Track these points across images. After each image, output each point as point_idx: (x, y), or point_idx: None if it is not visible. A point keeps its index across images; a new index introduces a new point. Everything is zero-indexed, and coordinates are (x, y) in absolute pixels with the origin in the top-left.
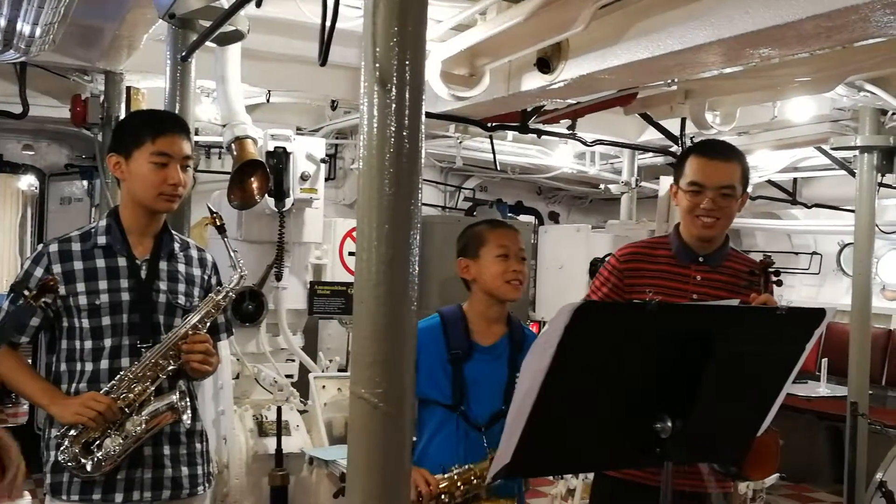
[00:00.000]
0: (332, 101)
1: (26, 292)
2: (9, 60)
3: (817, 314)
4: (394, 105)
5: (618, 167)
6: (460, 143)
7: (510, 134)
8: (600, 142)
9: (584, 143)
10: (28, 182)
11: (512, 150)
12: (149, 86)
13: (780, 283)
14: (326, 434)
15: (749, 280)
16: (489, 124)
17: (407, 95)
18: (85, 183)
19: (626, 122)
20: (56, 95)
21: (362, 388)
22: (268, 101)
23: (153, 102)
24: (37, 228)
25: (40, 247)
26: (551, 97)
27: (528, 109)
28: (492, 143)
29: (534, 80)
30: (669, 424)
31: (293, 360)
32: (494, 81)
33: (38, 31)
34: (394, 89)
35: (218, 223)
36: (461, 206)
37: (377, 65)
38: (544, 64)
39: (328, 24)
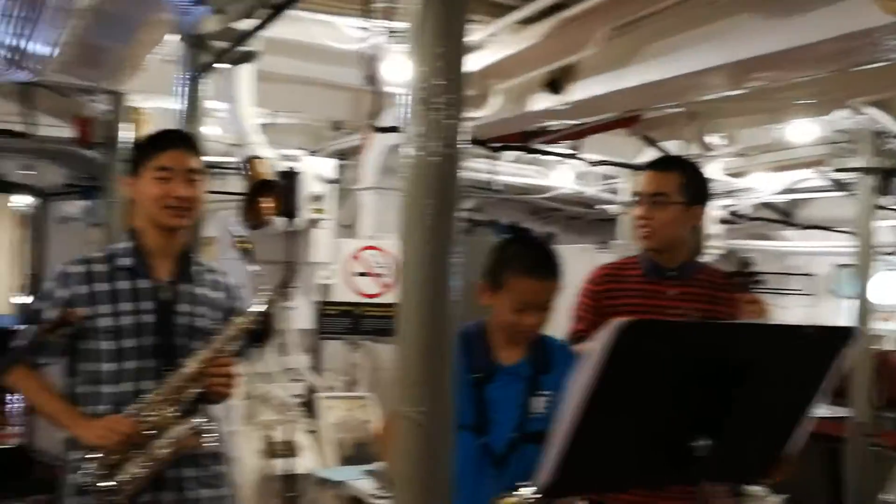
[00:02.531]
0: (335, 123)
1: (45, 325)
2: (20, 80)
3: (845, 332)
4: (438, 125)
5: (614, 187)
6: None
7: (509, 154)
8: (604, 162)
9: (590, 164)
10: (26, 201)
11: (509, 170)
12: (153, 105)
13: (758, 284)
14: (335, 455)
15: (729, 284)
16: (491, 144)
17: (450, 115)
18: (85, 203)
19: (625, 141)
20: (58, 115)
21: (407, 407)
22: (273, 122)
23: (157, 121)
24: (33, 248)
25: (61, 267)
26: (558, 118)
27: (530, 130)
28: (492, 164)
29: (542, 101)
30: (705, 443)
31: (301, 380)
32: (502, 102)
33: (55, 52)
34: (438, 109)
35: (248, 248)
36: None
37: (423, 85)
38: (554, 85)
39: None
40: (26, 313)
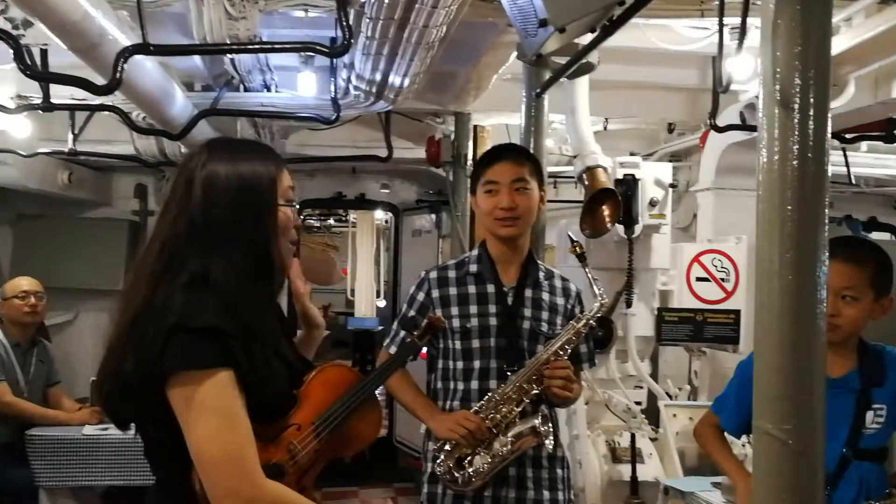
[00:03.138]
0: (669, 125)
1: (415, 332)
2: (379, 110)
3: None
4: (797, 127)
5: None
6: None
7: (864, 144)
8: None
9: None
10: (381, 216)
11: (865, 161)
12: (491, 123)
13: None
14: (680, 464)
15: None
16: (846, 136)
17: (811, 116)
18: (433, 216)
19: None
20: (411, 138)
21: (769, 424)
22: (605, 128)
23: (496, 138)
24: (390, 257)
25: (423, 273)
26: None
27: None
28: (845, 156)
29: None
30: None
31: (641, 387)
32: (859, 90)
33: (406, 82)
34: (797, 110)
35: (579, 251)
36: None
37: (778, 86)
38: None
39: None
40: (400, 322)
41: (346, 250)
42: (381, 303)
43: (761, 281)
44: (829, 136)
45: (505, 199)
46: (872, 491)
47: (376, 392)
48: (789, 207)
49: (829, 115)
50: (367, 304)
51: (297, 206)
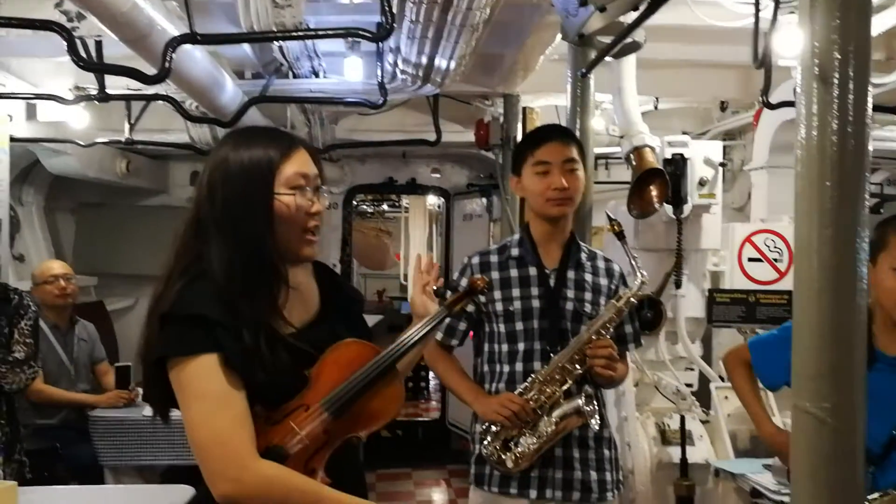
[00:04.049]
0: (722, 103)
1: (452, 296)
2: (427, 94)
3: None
4: (836, 102)
5: None
6: None
7: None
8: None
9: None
10: (434, 201)
11: None
12: (540, 104)
13: None
14: (731, 446)
15: None
16: None
17: (851, 90)
18: (484, 200)
19: None
20: (460, 121)
21: (807, 402)
22: (656, 108)
23: (545, 119)
24: (443, 242)
25: (465, 259)
26: None
27: None
28: None
29: None
30: None
31: (692, 369)
32: None
33: (452, 65)
34: (836, 85)
35: (616, 229)
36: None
37: (816, 61)
38: None
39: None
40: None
41: (400, 235)
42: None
43: (800, 258)
44: (871, 110)
45: (559, 180)
46: None
47: (405, 370)
48: (828, 183)
49: (884, 89)
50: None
51: (316, 190)
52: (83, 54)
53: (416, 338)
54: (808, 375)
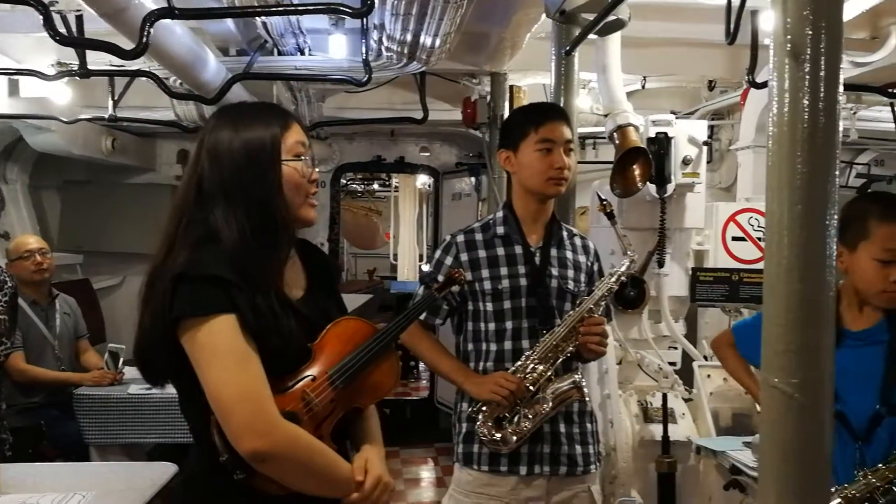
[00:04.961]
0: (710, 82)
1: (435, 284)
2: (412, 71)
3: None
4: (807, 79)
5: None
6: (854, 113)
7: None
8: None
9: None
10: (424, 181)
11: None
12: (527, 83)
13: None
14: (713, 424)
15: None
16: (891, 90)
17: (822, 66)
18: (473, 179)
19: None
20: (447, 99)
21: (775, 378)
22: (643, 87)
23: (532, 98)
24: (432, 221)
25: (448, 237)
26: None
27: None
28: (893, 111)
29: None
30: None
31: (675, 348)
32: None
33: (437, 42)
34: (807, 62)
35: (608, 210)
36: (852, 184)
37: (788, 37)
38: None
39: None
40: (421, 280)
41: (390, 215)
42: (426, 267)
43: (770, 234)
44: (842, 87)
45: (561, 159)
46: None
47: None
48: (799, 160)
49: (869, 68)
50: (409, 267)
51: (311, 161)
52: (62, 29)
53: (412, 316)
54: (776, 351)
